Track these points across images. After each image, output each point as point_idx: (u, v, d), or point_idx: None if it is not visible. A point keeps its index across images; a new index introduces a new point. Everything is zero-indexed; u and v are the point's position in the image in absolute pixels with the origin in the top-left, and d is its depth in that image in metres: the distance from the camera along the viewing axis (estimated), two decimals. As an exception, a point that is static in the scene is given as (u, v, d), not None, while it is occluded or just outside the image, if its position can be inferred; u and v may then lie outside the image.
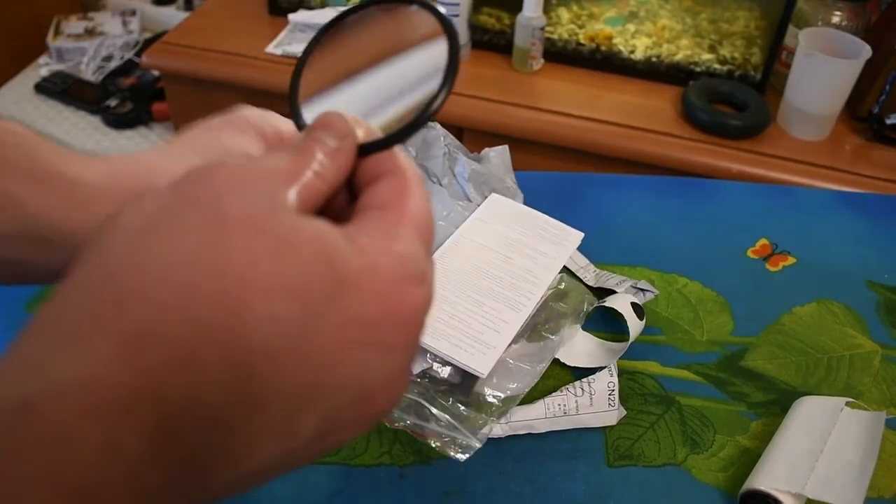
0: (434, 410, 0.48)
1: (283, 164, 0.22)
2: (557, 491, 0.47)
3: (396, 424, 0.48)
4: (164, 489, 0.18)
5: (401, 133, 0.25)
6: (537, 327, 0.55)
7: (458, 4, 1.19)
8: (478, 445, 0.47)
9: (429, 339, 0.51)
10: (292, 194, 0.21)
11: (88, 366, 0.17)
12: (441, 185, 0.63)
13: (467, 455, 0.46)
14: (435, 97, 0.25)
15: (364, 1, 0.29)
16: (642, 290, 0.58)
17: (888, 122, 1.10)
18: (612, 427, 0.51)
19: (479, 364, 0.50)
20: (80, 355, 0.17)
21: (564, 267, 0.60)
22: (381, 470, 0.48)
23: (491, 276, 0.56)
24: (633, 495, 0.47)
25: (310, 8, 1.33)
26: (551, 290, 0.57)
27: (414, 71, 0.28)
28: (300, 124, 0.28)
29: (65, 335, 0.18)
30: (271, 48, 1.25)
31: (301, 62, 0.29)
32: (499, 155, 0.67)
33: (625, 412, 0.51)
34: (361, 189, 0.25)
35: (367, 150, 0.25)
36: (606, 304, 0.55)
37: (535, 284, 0.56)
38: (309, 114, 0.28)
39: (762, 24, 1.19)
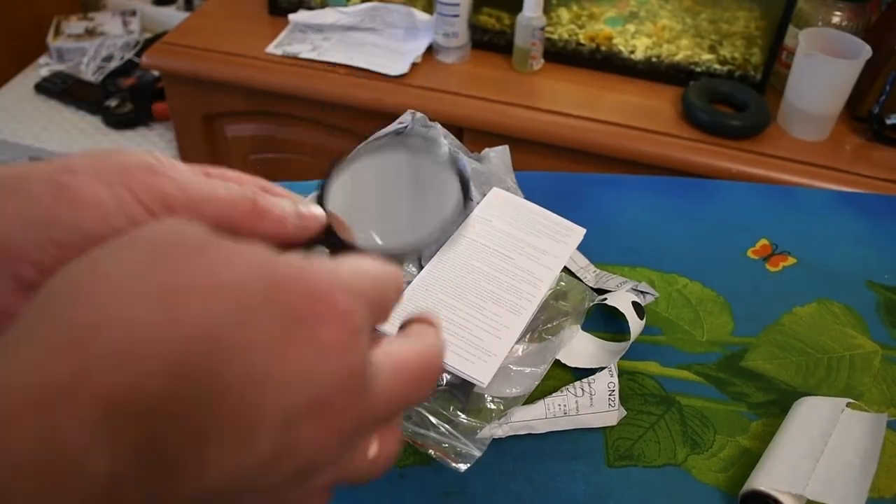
0: (433, 420, 0.48)
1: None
2: (557, 491, 0.47)
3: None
4: (118, 485, 0.19)
5: (390, 254, 0.30)
6: (538, 328, 0.55)
7: (458, 4, 1.19)
8: (478, 454, 0.47)
9: None
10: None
11: (27, 362, 0.18)
12: (441, 184, 0.63)
13: (468, 465, 0.46)
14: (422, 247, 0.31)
15: (399, 133, 0.34)
16: (643, 292, 0.58)
17: (888, 122, 1.10)
18: (612, 427, 0.51)
19: (480, 373, 0.50)
20: (21, 355, 0.18)
21: (565, 267, 0.60)
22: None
23: (491, 278, 0.56)
24: (634, 496, 0.47)
25: (310, 8, 1.33)
26: (551, 290, 0.57)
27: (428, 204, 0.33)
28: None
29: (10, 342, 0.19)
30: (271, 48, 1.25)
31: (333, 170, 0.32)
32: (499, 155, 0.67)
33: (625, 412, 0.51)
34: None
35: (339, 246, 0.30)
36: (608, 302, 0.55)
37: (536, 286, 0.56)
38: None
39: (762, 24, 1.19)
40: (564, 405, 0.50)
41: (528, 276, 0.56)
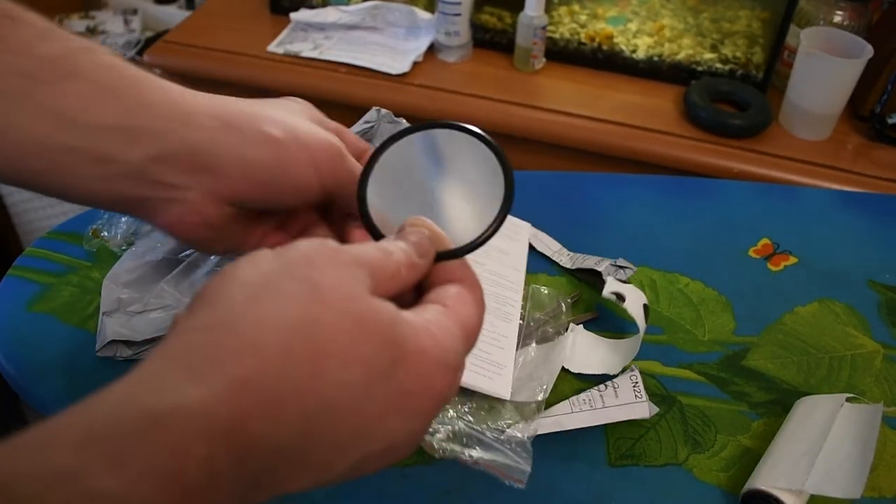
0: (481, 438, 0.48)
1: (372, 259, 0.28)
2: (559, 491, 0.47)
3: (442, 455, 0.48)
4: (231, 500, 0.23)
5: (468, 247, 0.32)
6: (537, 335, 0.55)
7: (459, 3, 1.19)
8: (527, 469, 0.46)
9: None
10: (374, 284, 0.27)
11: (204, 398, 0.22)
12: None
13: (523, 480, 0.46)
14: (493, 223, 0.32)
15: (432, 123, 0.34)
16: (621, 267, 0.57)
17: (890, 121, 1.10)
18: (613, 426, 0.51)
19: (500, 387, 0.50)
20: (200, 388, 0.22)
21: (557, 264, 0.60)
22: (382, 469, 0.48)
23: None
24: (635, 495, 0.47)
25: (311, 6, 1.33)
26: (529, 302, 0.57)
27: (472, 189, 0.34)
28: (376, 235, 0.33)
29: (188, 367, 0.23)
30: (273, 47, 1.25)
31: (366, 172, 0.34)
32: None
33: (656, 408, 0.50)
34: (431, 286, 0.31)
35: (440, 258, 0.31)
36: (625, 305, 0.54)
37: (514, 290, 0.56)
38: (381, 223, 0.33)
39: (764, 20, 1.19)
40: (590, 399, 0.50)
41: (503, 280, 0.57)
